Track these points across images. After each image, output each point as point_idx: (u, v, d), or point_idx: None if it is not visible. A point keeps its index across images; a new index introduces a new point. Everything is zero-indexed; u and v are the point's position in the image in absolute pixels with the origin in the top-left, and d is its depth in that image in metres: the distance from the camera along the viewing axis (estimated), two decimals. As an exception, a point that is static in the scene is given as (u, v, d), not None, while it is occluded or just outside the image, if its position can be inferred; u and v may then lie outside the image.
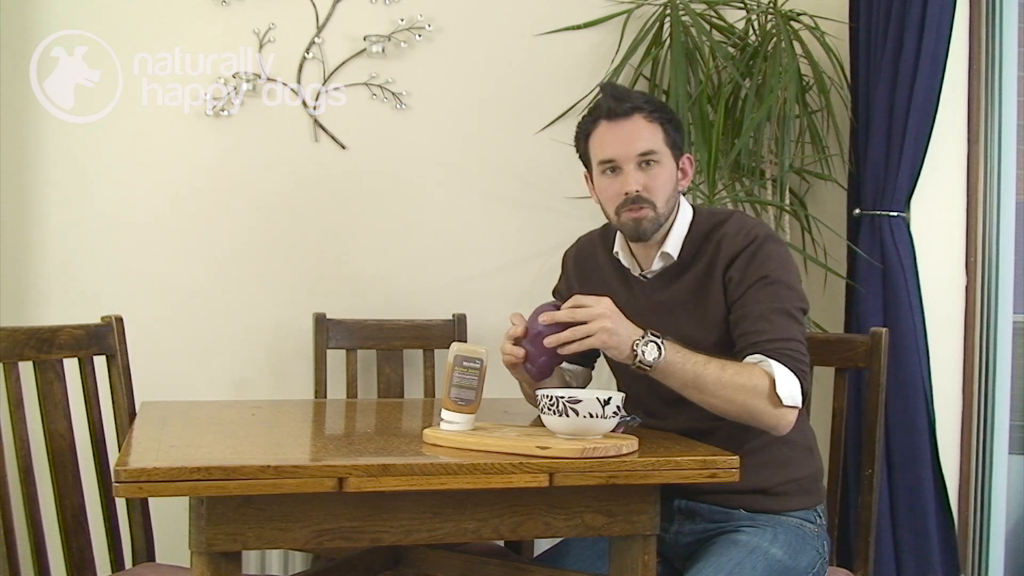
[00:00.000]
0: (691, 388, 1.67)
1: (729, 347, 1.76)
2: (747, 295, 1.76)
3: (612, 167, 1.81)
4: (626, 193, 1.79)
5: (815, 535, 1.85)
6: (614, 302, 1.66)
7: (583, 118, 1.87)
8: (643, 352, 1.62)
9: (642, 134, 1.79)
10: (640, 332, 1.65)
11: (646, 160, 1.79)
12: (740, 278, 1.77)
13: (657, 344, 1.63)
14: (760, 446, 1.81)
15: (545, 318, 1.66)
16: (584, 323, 1.62)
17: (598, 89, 1.88)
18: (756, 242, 1.78)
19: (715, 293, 1.80)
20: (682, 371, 1.65)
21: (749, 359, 1.71)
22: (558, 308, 1.70)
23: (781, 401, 1.67)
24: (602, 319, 1.62)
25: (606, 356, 2.01)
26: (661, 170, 1.80)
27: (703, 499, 1.84)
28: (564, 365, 2.02)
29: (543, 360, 1.71)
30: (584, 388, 2.06)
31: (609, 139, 1.81)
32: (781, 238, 1.89)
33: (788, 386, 1.68)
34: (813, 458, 1.91)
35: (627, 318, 1.66)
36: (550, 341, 1.65)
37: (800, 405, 1.70)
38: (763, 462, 1.80)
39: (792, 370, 1.69)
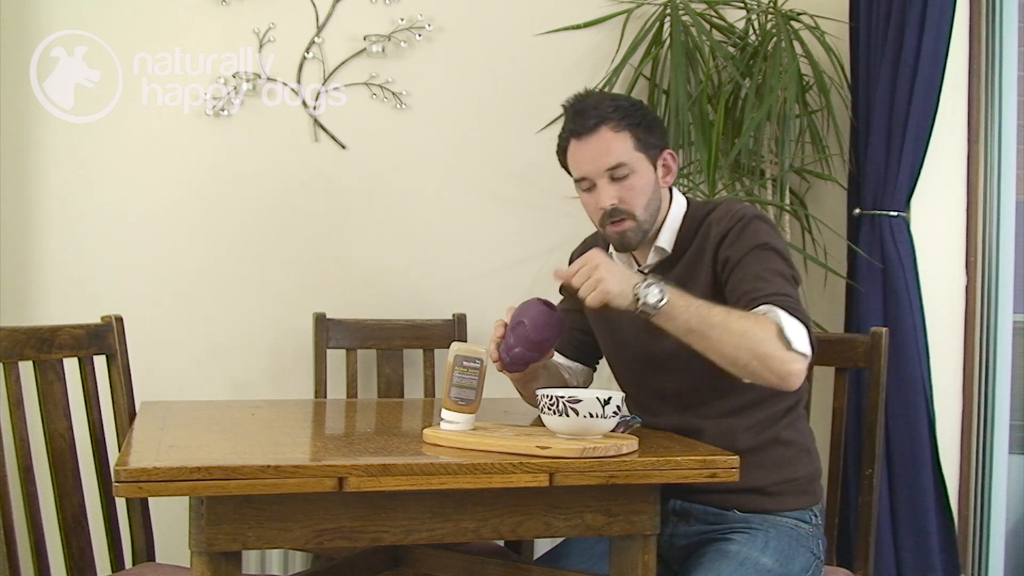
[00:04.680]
0: (695, 334, 1.63)
1: None
2: (741, 263, 1.74)
3: (587, 184, 1.82)
4: (602, 208, 1.80)
5: (809, 535, 1.84)
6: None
7: (560, 133, 1.87)
8: (645, 295, 1.61)
9: (609, 147, 1.78)
10: (640, 277, 1.64)
11: (617, 172, 1.79)
12: (732, 253, 1.76)
13: (659, 287, 1.62)
14: (757, 446, 1.81)
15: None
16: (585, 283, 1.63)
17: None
18: (744, 219, 1.78)
19: (704, 275, 1.80)
20: (686, 314, 1.62)
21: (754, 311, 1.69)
22: (544, 303, 1.71)
23: (791, 344, 1.62)
24: (597, 271, 1.62)
25: (606, 357, 2.02)
26: (636, 178, 1.80)
27: (698, 499, 1.84)
28: (563, 362, 2.03)
29: (517, 352, 1.72)
30: (584, 388, 2.05)
31: (579, 158, 1.82)
32: (770, 218, 1.89)
33: (796, 331, 1.63)
34: (811, 459, 1.90)
35: (625, 316, 1.66)
36: (560, 276, 1.67)
37: (809, 355, 1.65)
38: (759, 462, 1.80)
39: (798, 319, 1.66)
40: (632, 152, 1.79)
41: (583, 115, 1.81)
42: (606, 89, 2.69)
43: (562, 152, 1.87)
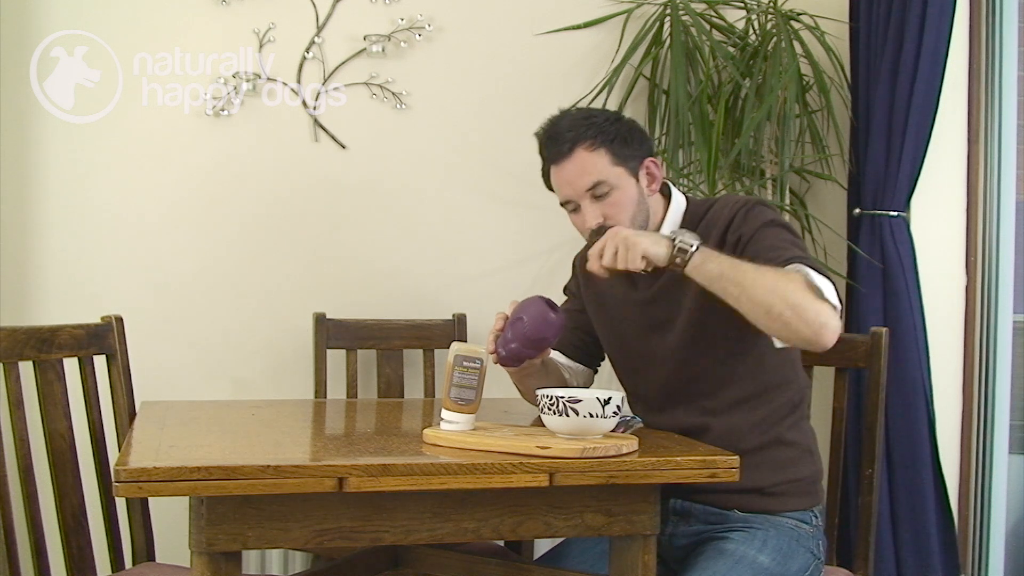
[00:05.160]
0: (727, 279, 1.63)
1: (732, 319, 1.69)
2: (754, 239, 1.75)
3: (572, 205, 1.84)
4: (589, 228, 1.81)
5: (810, 536, 1.84)
6: (617, 299, 1.65)
7: (541, 157, 1.89)
8: (681, 238, 1.65)
9: (585, 168, 1.79)
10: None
11: (597, 191, 1.79)
12: (744, 231, 1.77)
13: (691, 233, 1.66)
14: (761, 446, 1.81)
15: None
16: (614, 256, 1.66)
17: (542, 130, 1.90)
18: (749, 204, 1.80)
19: None
20: (719, 259, 1.65)
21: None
22: (546, 302, 1.72)
23: (822, 292, 1.62)
24: (625, 240, 1.65)
25: (609, 356, 2.02)
26: (618, 194, 1.80)
27: (698, 499, 1.84)
28: (564, 362, 2.02)
29: (513, 347, 1.73)
30: (585, 388, 2.05)
31: (559, 182, 1.84)
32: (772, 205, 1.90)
33: (824, 283, 1.64)
34: (813, 459, 1.91)
35: (632, 311, 1.66)
36: (595, 268, 1.69)
37: (839, 308, 1.65)
38: (760, 462, 1.80)
39: (823, 275, 1.66)
40: (610, 168, 1.80)
41: (557, 140, 1.82)
42: (605, 90, 2.69)
43: (546, 177, 1.89)
